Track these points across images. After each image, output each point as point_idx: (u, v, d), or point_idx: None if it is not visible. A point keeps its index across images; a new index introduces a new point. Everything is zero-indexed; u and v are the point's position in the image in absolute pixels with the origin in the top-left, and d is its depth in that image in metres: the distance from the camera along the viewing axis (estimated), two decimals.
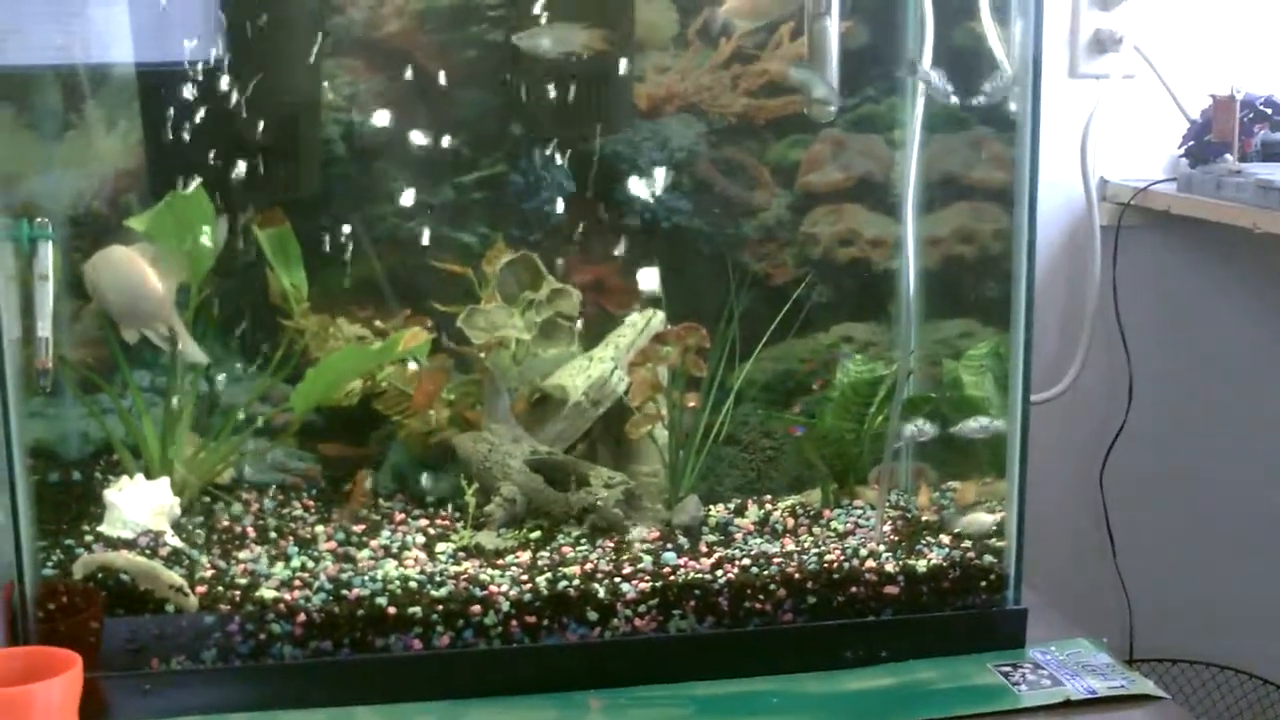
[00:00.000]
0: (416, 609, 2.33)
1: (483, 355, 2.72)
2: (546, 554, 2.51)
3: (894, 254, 2.82)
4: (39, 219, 2.34)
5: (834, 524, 2.67)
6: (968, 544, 2.55)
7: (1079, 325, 3.26)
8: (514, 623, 2.35)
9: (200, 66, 2.55)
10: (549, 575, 2.41)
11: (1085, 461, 3.39)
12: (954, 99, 2.46)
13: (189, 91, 2.55)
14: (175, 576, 2.31)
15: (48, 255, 2.33)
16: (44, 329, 2.33)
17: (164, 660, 2.28)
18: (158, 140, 2.58)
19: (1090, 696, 2.33)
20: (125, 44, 2.53)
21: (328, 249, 2.70)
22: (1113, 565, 3.40)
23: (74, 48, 2.48)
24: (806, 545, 2.57)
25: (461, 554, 2.52)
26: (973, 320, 2.81)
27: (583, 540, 2.57)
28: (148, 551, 2.36)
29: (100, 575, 2.29)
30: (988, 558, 2.51)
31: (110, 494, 2.44)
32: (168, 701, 2.25)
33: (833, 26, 2.51)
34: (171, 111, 2.55)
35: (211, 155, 2.56)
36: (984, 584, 2.50)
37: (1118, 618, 3.41)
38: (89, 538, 2.38)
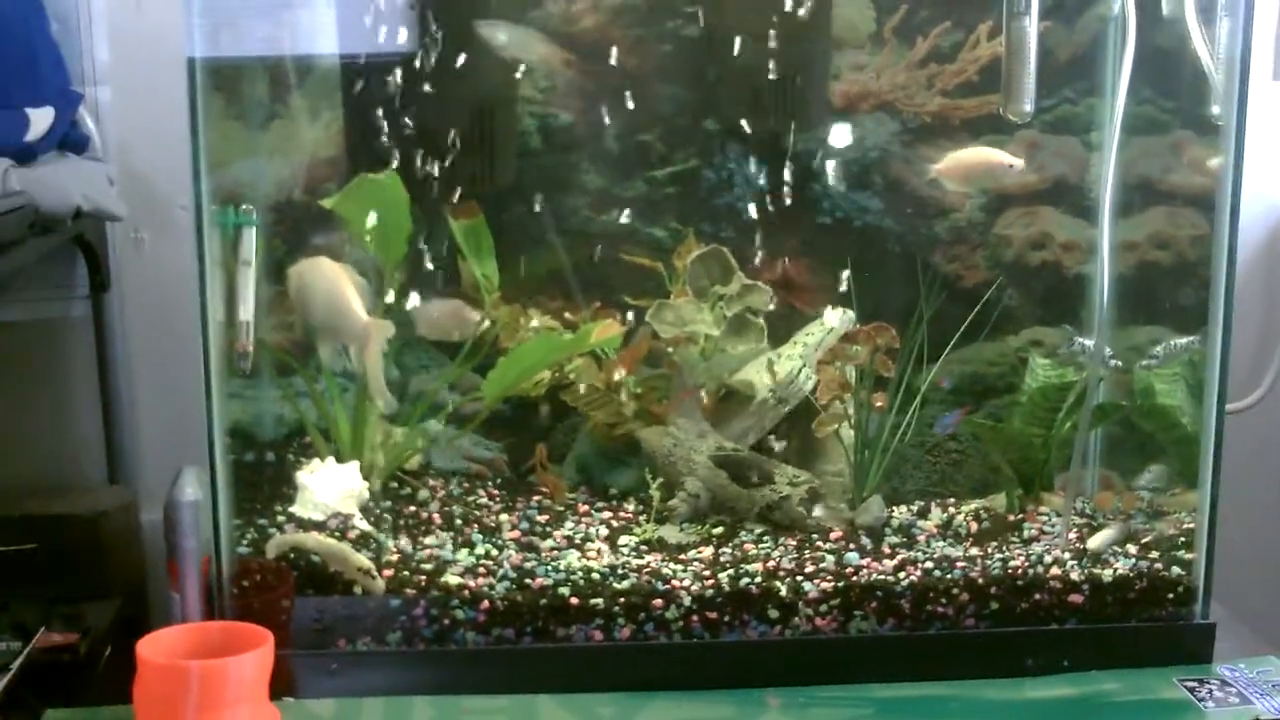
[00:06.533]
0: (599, 600, 2.35)
1: (670, 350, 2.72)
2: (729, 550, 2.52)
3: (1087, 258, 2.78)
4: (244, 206, 2.39)
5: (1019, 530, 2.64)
6: (1155, 554, 2.51)
7: (1275, 334, 3.18)
8: (695, 618, 2.36)
9: (400, 59, 2.60)
10: (731, 571, 2.42)
11: (1279, 474, 3.31)
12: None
13: (389, 83, 2.60)
14: (363, 559, 2.35)
15: (251, 241, 2.39)
16: (246, 313, 2.39)
17: (350, 641, 2.33)
18: (359, 130, 2.62)
19: None
20: (330, 36, 2.57)
21: (519, 241, 2.73)
22: None
23: (281, 40, 2.53)
24: (990, 550, 2.54)
25: (644, 547, 2.54)
26: (1166, 328, 2.76)
27: (765, 537, 2.57)
28: (337, 534, 2.40)
29: (292, 555, 2.35)
30: (1176, 569, 2.47)
31: (303, 476, 2.49)
32: (352, 681, 2.30)
33: (1032, 26, 2.48)
34: (371, 102, 2.60)
35: (409, 146, 2.61)
36: (1171, 596, 2.46)
37: None
38: (281, 518, 2.44)
